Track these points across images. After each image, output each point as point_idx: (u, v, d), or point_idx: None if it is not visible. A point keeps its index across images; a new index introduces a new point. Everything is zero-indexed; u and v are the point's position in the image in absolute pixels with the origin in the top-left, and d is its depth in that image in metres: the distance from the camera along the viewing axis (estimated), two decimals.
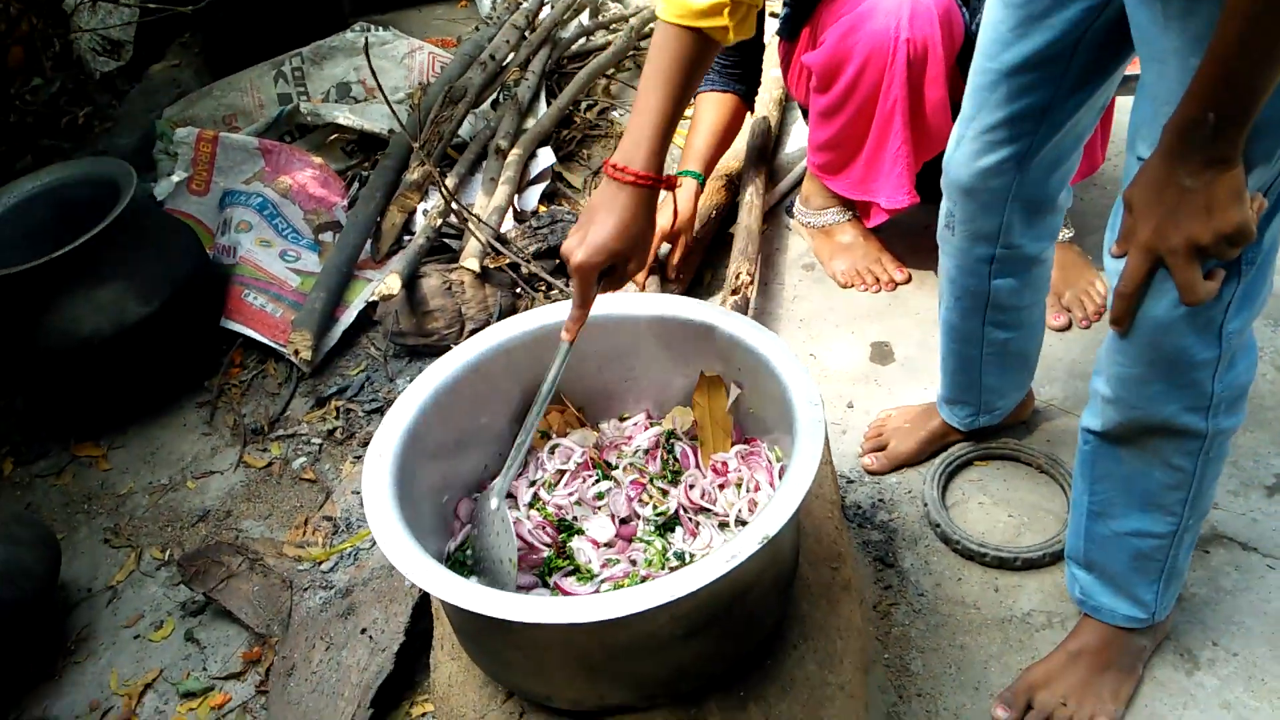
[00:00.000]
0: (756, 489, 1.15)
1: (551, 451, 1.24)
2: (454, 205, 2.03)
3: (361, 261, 2.18)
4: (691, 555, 1.11)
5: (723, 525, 1.14)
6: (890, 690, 1.36)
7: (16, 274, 1.76)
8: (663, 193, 1.10)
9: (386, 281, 1.89)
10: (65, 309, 1.83)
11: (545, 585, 1.11)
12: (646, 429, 1.27)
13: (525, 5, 2.84)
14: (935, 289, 1.62)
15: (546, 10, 2.90)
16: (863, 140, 1.84)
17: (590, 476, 1.21)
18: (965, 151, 1.28)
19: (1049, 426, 1.70)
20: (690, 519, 1.16)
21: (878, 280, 2.06)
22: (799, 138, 2.53)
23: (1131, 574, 1.24)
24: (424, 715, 1.40)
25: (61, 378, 1.90)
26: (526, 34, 2.75)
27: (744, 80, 2.09)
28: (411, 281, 1.95)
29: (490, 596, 0.91)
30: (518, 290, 2.04)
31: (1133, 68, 1.08)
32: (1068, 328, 1.88)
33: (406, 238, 2.21)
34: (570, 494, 1.19)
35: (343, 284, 2.10)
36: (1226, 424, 1.11)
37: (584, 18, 3.04)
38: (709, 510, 1.16)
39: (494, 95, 2.59)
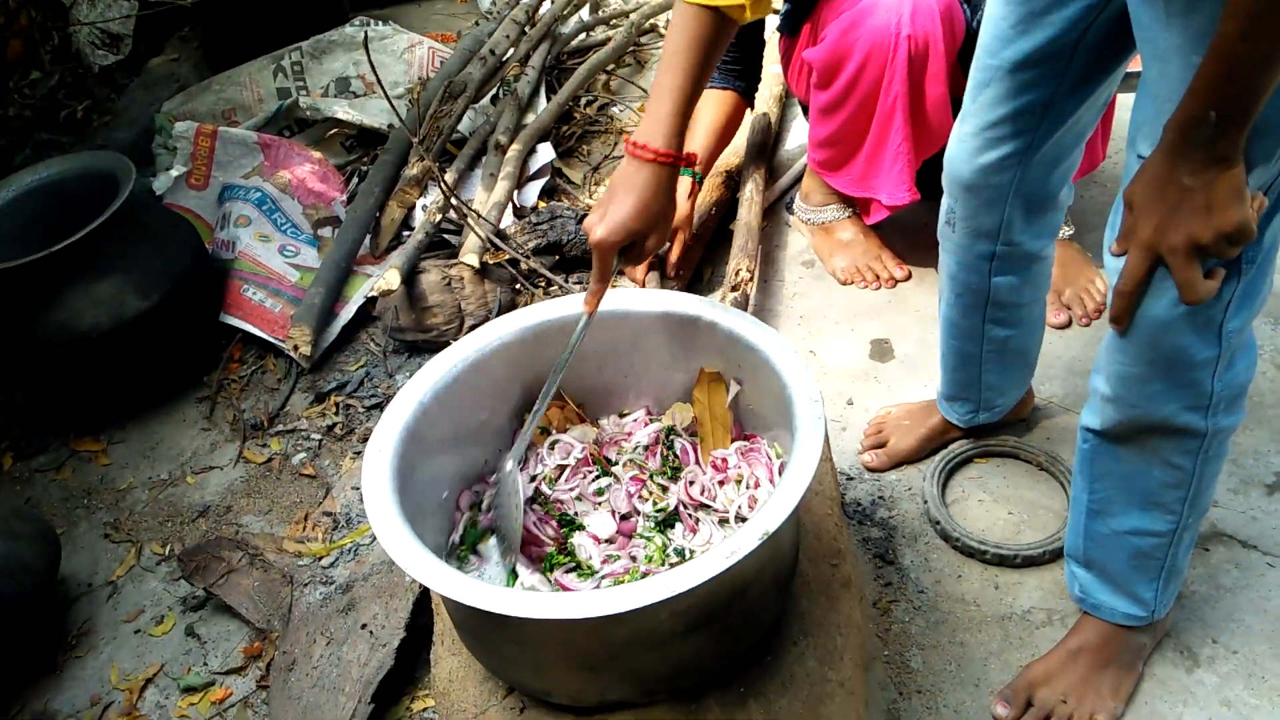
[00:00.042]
0: (756, 485, 1.15)
1: (551, 447, 1.24)
2: (453, 200, 2.03)
3: (361, 257, 2.18)
4: (691, 551, 1.11)
5: (723, 521, 1.14)
6: (890, 687, 1.36)
7: (15, 268, 1.76)
8: None
9: (386, 277, 1.89)
10: (64, 303, 1.83)
11: (547, 580, 1.11)
12: (646, 425, 1.27)
13: (525, 1, 2.83)
14: (935, 286, 1.62)
15: (546, 5, 2.89)
16: (863, 137, 1.84)
17: (590, 472, 1.21)
18: (966, 148, 1.28)
19: (1049, 424, 1.71)
20: (690, 515, 1.16)
21: (878, 277, 2.06)
22: (799, 134, 2.53)
23: (1131, 572, 1.24)
24: (425, 710, 1.40)
25: (61, 372, 1.90)
26: (526, 29, 2.74)
27: (744, 77, 2.09)
28: (411, 277, 1.95)
29: (490, 592, 0.91)
30: (517, 286, 2.04)
31: (1134, 65, 1.08)
32: (1068, 325, 1.88)
33: (406, 233, 2.21)
34: (571, 489, 1.19)
35: (342, 279, 2.09)
36: (1226, 423, 1.11)
37: (584, 13, 3.04)
38: (709, 506, 1.16)
39: (494, 90, 2.58)
